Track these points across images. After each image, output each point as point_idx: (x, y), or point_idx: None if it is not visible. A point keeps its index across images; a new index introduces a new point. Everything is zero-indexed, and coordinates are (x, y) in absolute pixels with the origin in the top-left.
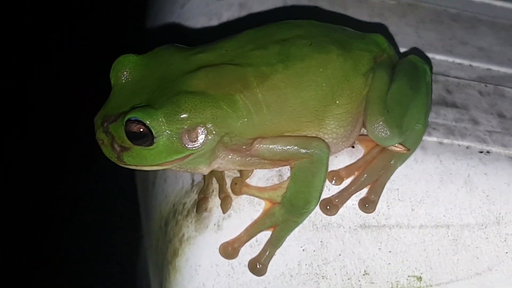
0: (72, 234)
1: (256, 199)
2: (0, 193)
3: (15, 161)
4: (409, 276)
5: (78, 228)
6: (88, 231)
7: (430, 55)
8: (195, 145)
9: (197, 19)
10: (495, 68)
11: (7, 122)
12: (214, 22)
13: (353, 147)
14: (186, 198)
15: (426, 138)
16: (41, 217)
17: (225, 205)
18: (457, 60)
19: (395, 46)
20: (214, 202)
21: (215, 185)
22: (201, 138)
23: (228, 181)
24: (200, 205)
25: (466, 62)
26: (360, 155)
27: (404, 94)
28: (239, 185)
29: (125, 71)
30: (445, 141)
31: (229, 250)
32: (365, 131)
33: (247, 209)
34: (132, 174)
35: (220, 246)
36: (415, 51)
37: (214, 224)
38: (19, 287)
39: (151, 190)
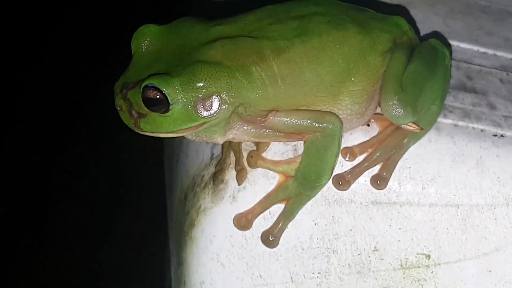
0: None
1: (271, 172)
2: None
3: (15, 161)
4: (418, 254)
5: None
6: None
7: (454, 43)
8: (209, 114)
9: None
10: None
11: (6, 122)
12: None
13: (368, 125)
14: (205, 171)
15: (441, 120)
16: (41, 217)
17: (241, 177)
18: (482, 49)
19: (420, 32)
20: (231, 174)
21: (232, 157)
22: (215, 107)
23: (245, 154)
24: (217, 176)
25: (490, 52)
26: (374, 133)
27: (420, 74)
28: (255, 158)
29: (146, 40)
30: (460, 123)
31: (243, 222)
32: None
33: (261, 182)
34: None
35: (234, 217)
36: (439, 37)
37: (230, 196)
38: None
39: (175, 166)
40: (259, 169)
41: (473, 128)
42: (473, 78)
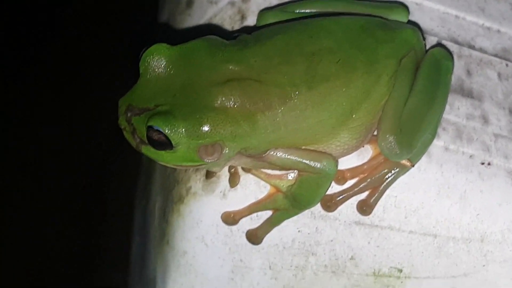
0: None
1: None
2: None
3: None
4: (391, 267)
5: None
6: None
7: (461, 14)
8: (211, 159)
9: None
10: None
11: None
12: None
13: (363, 146)
14: None
15: (434, 141)
16: None
17: (233, 181)
18: (487, 24)
19: None
20: (224, 170)
21: None
22: (217, 153)
23: None
24: (210, 172)
25: (495, 27)
26: (368, 156)
27: (419, 110)
28: None
29: (156, 61)
30: (451, 146)
31: (230, 219)
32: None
33: (253, 188)
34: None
35: (222, 214)
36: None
37: (220, 192)
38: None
39: None
40: (252, 175)
41: (463, 153)
42: (472, 74)
